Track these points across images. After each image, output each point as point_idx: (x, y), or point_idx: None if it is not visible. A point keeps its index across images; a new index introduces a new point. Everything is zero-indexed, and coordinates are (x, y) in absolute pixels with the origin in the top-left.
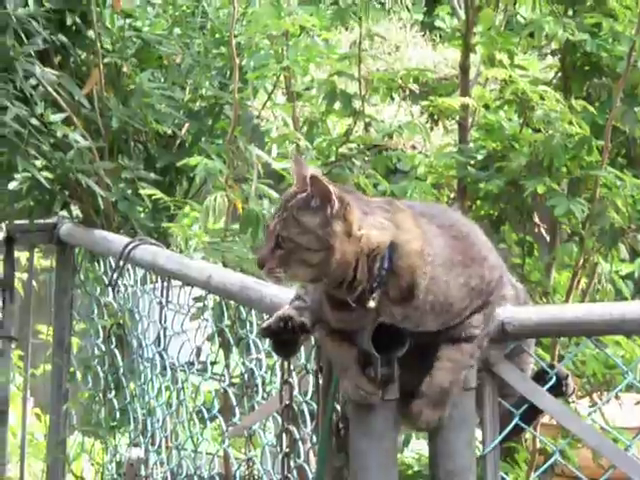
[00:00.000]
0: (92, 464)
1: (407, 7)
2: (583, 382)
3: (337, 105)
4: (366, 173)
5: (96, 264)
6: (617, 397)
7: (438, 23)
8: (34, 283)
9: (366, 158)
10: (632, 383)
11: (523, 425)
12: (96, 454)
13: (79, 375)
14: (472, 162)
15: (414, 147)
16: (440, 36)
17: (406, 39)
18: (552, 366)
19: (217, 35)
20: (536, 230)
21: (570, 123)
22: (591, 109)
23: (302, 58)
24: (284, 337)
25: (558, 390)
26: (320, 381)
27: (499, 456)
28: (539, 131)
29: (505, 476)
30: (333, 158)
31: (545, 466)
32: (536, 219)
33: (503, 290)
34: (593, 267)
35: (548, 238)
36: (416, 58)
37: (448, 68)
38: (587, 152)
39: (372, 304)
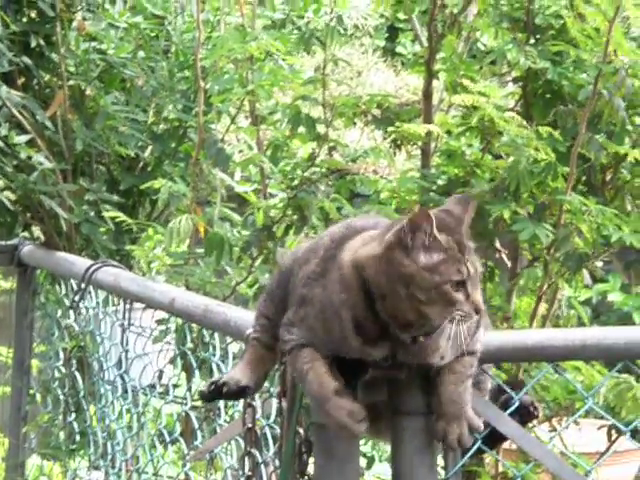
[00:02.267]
0: None
1: (369, 33)
2: (543, 407)
3: (301, 129)
4: (330, 197)
5: (57, 286)
6: (576, 422)
7: (399, 49)
8: None
9: (329, 182)
10: (592, 409)
11: (485, 448)
12: (55, 477)
13: (39, 397)
14: (434, 187)
15: (375, 172)
16: (402, 63)
17: (368, 64)
18: (514, 388)
19: (181, 59)
20: (497, 256)
21: (536, 149)
22: (557, 136)
23: (267, 82)
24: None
25: (523, 413)
26: (283, 404)
27: None
28: (500, 157)
29: None
30: (297, 182)
31: None
32: (497, 245)
33: None
34: (554, 292)
35: (509, 264)
36: (378, 83)
37: (409, 94)
38: (552, 178)
39: (407, 337)
